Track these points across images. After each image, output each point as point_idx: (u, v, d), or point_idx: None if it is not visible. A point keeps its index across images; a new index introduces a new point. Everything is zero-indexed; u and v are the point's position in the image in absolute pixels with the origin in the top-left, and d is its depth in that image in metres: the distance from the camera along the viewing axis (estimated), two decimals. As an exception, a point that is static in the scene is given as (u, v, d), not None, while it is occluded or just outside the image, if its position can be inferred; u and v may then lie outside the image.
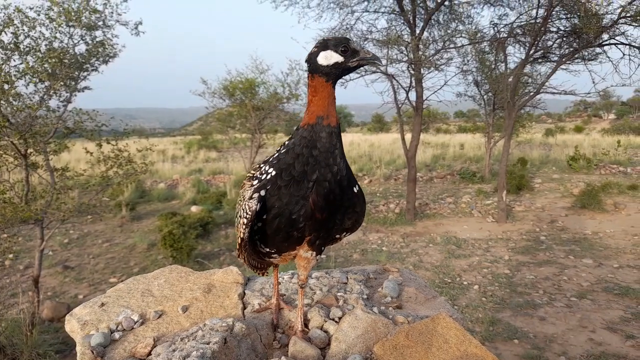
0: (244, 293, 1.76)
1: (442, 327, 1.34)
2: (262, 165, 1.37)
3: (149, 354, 1.37)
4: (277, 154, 1.33)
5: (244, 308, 1.66)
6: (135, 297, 1.73)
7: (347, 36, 10.67)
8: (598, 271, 7.71)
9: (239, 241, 1.34)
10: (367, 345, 1.37)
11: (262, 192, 1.27)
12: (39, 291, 6.31)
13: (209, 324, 1.36)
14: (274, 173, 1.27)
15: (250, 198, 1.27)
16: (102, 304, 1.69)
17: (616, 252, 8.60)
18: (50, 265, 8.81)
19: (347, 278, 1.85)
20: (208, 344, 1.22)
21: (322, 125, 1.24)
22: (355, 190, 1.36)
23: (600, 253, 8.60)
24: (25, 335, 5.39)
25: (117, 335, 1.50)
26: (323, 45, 1.26)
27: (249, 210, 1.26)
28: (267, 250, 1.39)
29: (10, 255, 8.73)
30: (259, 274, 1.56)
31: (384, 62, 10.51)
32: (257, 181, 1.32)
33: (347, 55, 1.26)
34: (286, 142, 1.34)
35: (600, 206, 11.33)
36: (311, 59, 1.27)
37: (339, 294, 1.70)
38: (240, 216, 1.32)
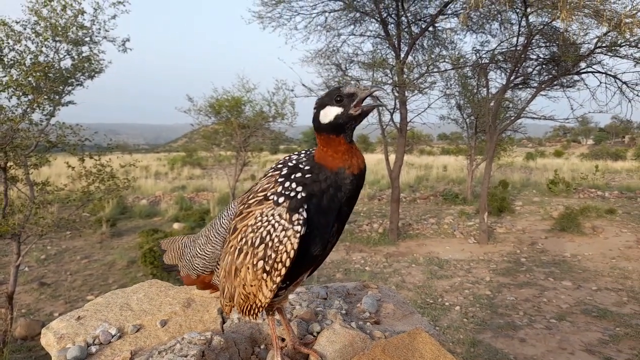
0: (224, 308, 1.76)
1: (418, 342, 1.37)
2: (277, 183, 1.25)
3: (126, 367, 1.37)
4: (298, 172, 1.25)
5: (223, 322, 1.66)
6: (113, 311, 1.72)
7: (332, 59, 10.85)
8: (577, 293, 7.83)
9: (285, 261, 1.15)
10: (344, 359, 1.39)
11: (303, 213, 1.16)
12: (13, 308, 6.13)
13: (187, 337, 1.36)
14: (305, 194, 1.19)
15: (296, 211, 1.16)
16: (79, 318, 1.67)
17: (594, 275, 8.74)
18: (25, 281, 8.58)
19: (327, 293, 1.87)
20: (186, 356, 1.22)
21: (345, 174, 1.22)
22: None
23: (579, 275, 8.74)
24: (-3, 355, 5.23)
25: (93, 349, 1.49)
26: (320, 103, 1.25)
27: (299, 224, 1.14)
28: (283, 281, 1.24)
29: (-16, 271, 8.51)
30: (252, 317, 1.30)
31: (369, 84, 10.68)
32: (283, 198, 1.20)
33: (344, 104, 1.22)
34: (291, 164, 1.29)
35: (579, 229, 11.55)
36: (314, 121, 1.26)
37: (318, 308, 1.72)
38: (279, 232, 1.16)
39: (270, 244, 1.16)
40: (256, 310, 1.26)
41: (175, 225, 12.31)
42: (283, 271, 1.16)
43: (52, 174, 15.58)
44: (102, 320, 1.66)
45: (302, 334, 1.56)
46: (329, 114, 1.22)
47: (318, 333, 1.54)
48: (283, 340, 1.49)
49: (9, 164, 5.80)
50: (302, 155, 1.33)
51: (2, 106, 5.26)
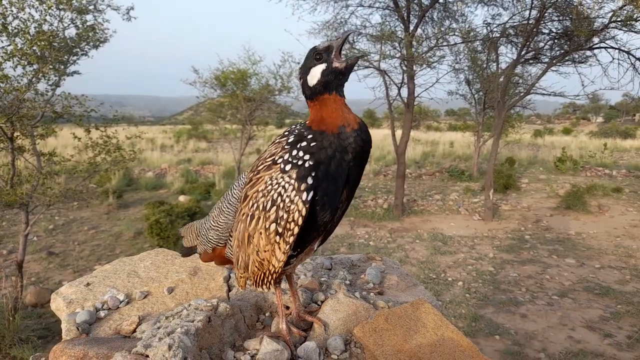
0: (229, 276, 1.78)
1: (420, 312, 1.38)
2: (283, 150, 1.24)
3: (134, 331, 1.40)
4: (304, 141, 1.22)
5: (229, 290, 1.68)
6: (121, 278, 1.75)
7: (340, 31, 10.66)
8: (580, 271, 7.86)
9: (297, 221, 1.16)
10: (347, 328, 1.41)
11: (310, 181, 1.15)
12: (23, 276, 6.26)
13: (194, 303, 1.38)
14: (312, 162, 1.17)
15: (299, 189, 1.15)
16: (88, 284, 1.70)
17: (598, 253, 8.76)
18: (34, 250, 8.73)
19: (332, 264, 1.88)
20: (192, 321, 1.24)
21: (347, 133, 1.20)
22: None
23: (582, 253, 8.76)
24: (8, 320, 5.35)
25: (102, 313, 1.52)
26: (303, 70, 1.25)
27: (305, 189, 1.15)
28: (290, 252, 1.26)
29: (-6, 240, 8.65)
30: (265, 287, 1.32)
31: (376, 57, 10.53)
32: (290, 166, 1.19)
33: (324, 58, 1.22)
34: (296, 133, 1.27)
35: (584, 207, 11.52)
36: (305, 89, 1.25)
37: (322, 278, 1.74)
38: (289, 201, 1.16)
39: (281, 204, 1.17)
40: (270, 278, 1.27)
41: (181, 198, 12.40)
42: (296, 230, 1.16)
43: (58, 145, 15.64)
44: (110, 286, 1.69)
45: (307, 302, 1.58)
46: (315, 74, 1.22)
47: (322, 302, 1.56)
48: (288, 308, 1.51)
49: (15, 134, 5.81)
50: (303, 126, 1.30)
51: (7, 75, 5.24)
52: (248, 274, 1.31)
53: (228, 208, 1.40)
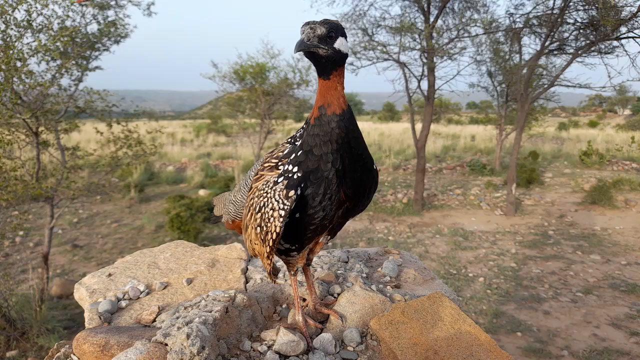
0: (247, 268, 1.80)
1: (437, 306, 1.37)
2: (281, 162, 1.28)
3: (154, 320, 1.42)
4: (294, 153, 1.24)
5: (246, 282, 1.70)
6: (141, 269, 1.78)
7: (359, 23, 10.59)
8: (605, 267, 7.68)
9: (272, 237, 1.22)
10: (364, 321, 1.40)
11: (298, 192, 1.18)
12: (49, 268, 6.43)
13: (212, 294, 1.40)
14: (300, 174, 1.19)
15: (287, 197, 1.18)
16: (110, 274, 1.74)
17: (625, 249, 8.54)
18: (59, 243, 8.97)
19: (348, 257, 1.88)
20: (210, 312, 1.26)
21: (327, 116, 1.16)
22: (375, 167, 1.31)
23: (608, 249, 8.55)
24: (35, 311, 5.52)
25: (123, 303, 1.55)
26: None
27: (282, 214, 1.18)
28: (287, 246, 1.32)
29: (21, 232, 8.92)
30: (273, 279, 1.40)
31: (396, 49, 10.43)
32: (282, 178, 1.22)
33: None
34: (299, 134, 1.29)
35: (610, 202, 11.23)
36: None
37: (339, 271, 1.73)
38: (271, 209, 1.20)
39: (266, 213, 1.23)
40: (266, 262, 1.32)
41: (201, 192, 12.55)
42: (275, 237, 1.21)
43: (81, 139, 15.99)
44: (131, 277, 1.72)
45: (323, 295, 1.58)
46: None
47: (338, 294, 1.56)
48: (304, 300, 1.51)
49: (40, 129, 5.96)
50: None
51: (31, 71, 5.36)
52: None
53: (244, 187, 1.47)
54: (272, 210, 1.20)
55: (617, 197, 11.51)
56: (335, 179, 1.18)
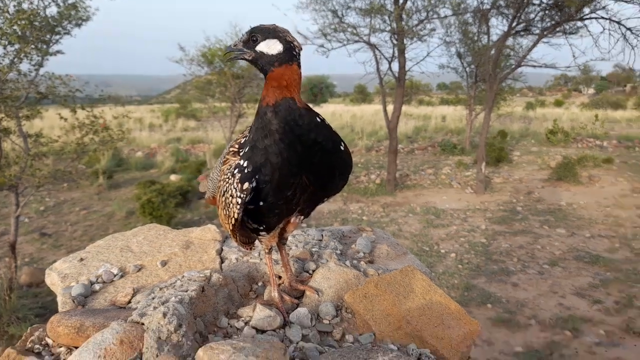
0: (222, 249, 1.80)
1: (409, 278, 1.41)
2: (241, 149, 1.29)
3: (129, 302, 1.42)
4: (244, 147, 1.26)
5: (222, 262, 1.71)
6: (114, 253, 1.76)
7: (328, 5, 10.49)
8: (570, 240, 8.01)
9: (232, 222, 1.26)
10: (338, 295, 1.44)
11: (253, 184, 1.20)
12: (16, 257, 6.26)
13: (187, 275, 1.40)
14: (251, 168, 1.20)
15: (242, 190, 1.21)
16: (82, 259, 1.71)
17: (589, 223, 8.91)
18: (26, 232, 8.72)
19: (322, 235, 1.91)
20: (186, 291, 1.26)
21: (262, 107, 1.19)
22: (342, 148, 1.28)
23: (573, 223, 8.90)
24: (4, 300, 5.40)
25: (97, 286, 1.54)
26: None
27: (238, 202, 1.22)
28: (256, 226, 1.33)
29: (-15, 222, 8.61)
30: (247, 249, 1.45)
31: (366, 31, 10.41)
32: (237, 170, 1.23)
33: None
34: (248, 131, 1.30)
35: (575, 178, 11.65)
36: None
37: (313, 249, 1.76)
38: (230, 196, 1.24)
39: (227, 200, 1.27)
40: (233, 238, 1.39)
41: (172, 177, 12.36)
42: (231, 226, 1.28)
43: (44, 126, 15.40)
44: (104, 261, 1.70)
45: (298, 272, 1.60)
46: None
47: (313, 271, 1.59)
48: (280, 277, 1.53)
49: (0, 116, 5.72)
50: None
51: (-12, 55, 5.13)
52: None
53: (218, 166, 1.49)
54: (231, 197, 1.24)
55: (582, 174, 11.95)
56: (286, 169, 1.18)
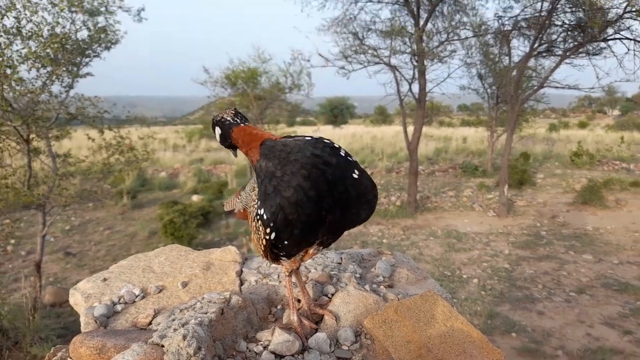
0: (242, 271, 1.81)
1: (430, 304, 1.39)
2: (254, 203, 1.34)
3: (150, 323, 1.43)
4: (260, 196, 1.26)
5: (241, 284, 1.71)
6: (136, 273, 1.79)
7: (349, 27, 10.65)
8: (598, 267, 7.75)
9: (262, 248, 1.31)
10: (357, 320, 1.42)
11: (272, 229, 1.23)
12: (41, 276, 6.38)
13: (207, 297, 1.41)
14: (269, 215, 1.21)
15: (265, 233, 1.24)
16: (105, 279, 1.74)
17: (616, 248, 8.62)
18: (52, 251, 8.90)
19: (342, 258, 1.90)
20: (206, 313, 1.27)
21: (256, 165, 1.26)
22: (356, 176, 1.23)
23: (600, 249, 8.63)
24: (28, 320, 5.47)
25: (119, 307, 1.56)
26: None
27: (265, 235, 1.25)
28: (276, 252, 1.32)
29: (12, 241, 8.83)
30: (277, 264, 1.43)
31: (386, 53, 10.51)
32: (257, 216, 1.27)
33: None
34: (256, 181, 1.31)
35: (602, 202, 11.34)
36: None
37: (332, 272, 1.75)
38: (256, 229, 1.29)
39: (255, 229, 1.32)
40: (263, 256, 1.41)
41: (194, 198, 12.52)
42: (261, 251, 1.33)
43: (73, 146, 15.88)
44: (126, 281, 1.73)
45: (317, 295, 1.59)
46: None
47: (332, 295, 1.58)
48: (299, 301, 1.53)
49: (31, 136, 5.93)
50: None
51: (22, 78, 5.34)
52: None
53: (250, 190, 1.56)
54: (257, 229, 1.30)
55: (608, 197, 11.63)
56: (304, 217, 1.19)
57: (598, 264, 7.91)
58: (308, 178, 1.16)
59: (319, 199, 1.16)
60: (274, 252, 1.32)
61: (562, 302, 6.45)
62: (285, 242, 1.24)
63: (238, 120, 1.37)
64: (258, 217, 1.26)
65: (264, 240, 1.26)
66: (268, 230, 1.23)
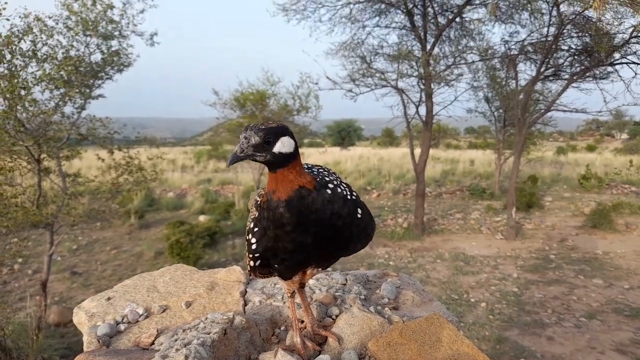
0: (246, 291, 1.80)
1: (435, 327, 1.37)
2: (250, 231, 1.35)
3: (152, 343, 1.43)
4: (254, 227, 1.30)
5: (245, 305, 1.70)
6: (140, 293, 1.79)
7: (357, 51, 10.82)
8: (608, 292, 7.61)
9: (248, 268, 1.37)
10: (362, 342, 1.41)
11: (259, 260, 1.31)
12: (47, 296, 6.38)
13: (210, 317, 1.41)
14: (261, 249, 1.28)
15: (253, 259, 1.31)
16: (109, 298, 1.74)
17: (627, 273, 8.47)
18: (58, 270, 8.90)
19: (346, 280, 1.88)
20: (209, 334, 1.26)
21: (274, 201, 1.19)
22: (359, 215, 1.29)
23: (610, 273, 8.48)
24: (32, 339, 5.44)
25: (122, 326, 1.56)
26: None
27: (252, 259, 1.32)
28: (269, 270, 1.39)
29: (20, 259, 8.87)
30: (266, 277, 1.48)
31: (394, 76, 10.62)
32: (247, 244, 1.32)
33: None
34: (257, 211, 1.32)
35: (611, 226, 11.20)
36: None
37: (337, 293, 1.74)
38: (247, 251, 1.34)
39: (245, 249, 1.35)
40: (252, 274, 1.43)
41: (201, 218, 12.53)
42: (249, 269, 1.37)
43: (82, 166, 16.06)
44: (130, 300, 1.72)
45: (321, 316, 1.58)
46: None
47: (337, 316, 1.56)
48: (302, 322, 1.52)
49: (42, 156, 6.01)
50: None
51: (35, 99, 5.45)
52: None
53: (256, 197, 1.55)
54: (247, 252, 1.33)
55: (618, 221, 11.49)
56: (300, 255, 1.25)
57: (608, 288, 7.76)
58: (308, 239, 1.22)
59: (315, 238, 1.22)
60: (259, 273, 1.39)
61: (572, 328, 6.32)
62: (276, 266, 1.30)
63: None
64: (247, 240, 1.31)
65: (250, 262, 1.33)
66: (256, 262, 1.31)
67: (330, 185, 1.25)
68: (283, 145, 1.18)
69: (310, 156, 27.51)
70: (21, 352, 5.42)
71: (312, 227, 1.19)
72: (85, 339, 1.50)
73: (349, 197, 1.28)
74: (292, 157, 1.20)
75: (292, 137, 1.21)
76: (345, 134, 42.59)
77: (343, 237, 1.25)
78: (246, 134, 1.17)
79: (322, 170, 1.40)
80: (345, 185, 1.33)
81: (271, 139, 1.17)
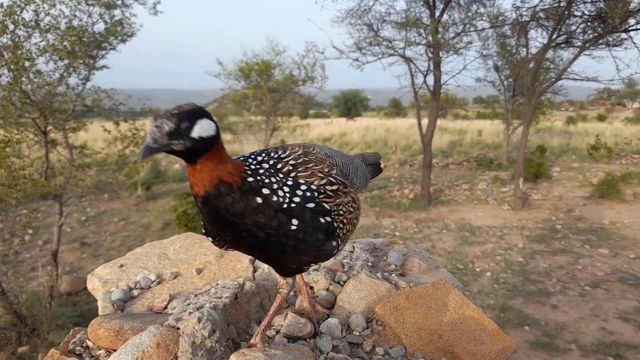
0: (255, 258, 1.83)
1: (441, 292, 1.39)
2: None
3: (165, 307, 1.47)
4: None
5: (254, 271, 1.74)
6: (152, 260, 1.82)
7: (364, 19, 10.58)
8: (614, 261, 7.64)
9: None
10: (369, 307, 1.44)
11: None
12: (58, 265, 6.52)
13: (221, 282, 1.44)
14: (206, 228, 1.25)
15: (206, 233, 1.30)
16: (122, 265, 1.78)
17: (633, 243, 8.49)
18: (68, 241, 9.07)
19: (354, 247, 1.91)
20: (220, 298, 1.30)
21: (194, 195, 1.09)
22: (293, 227, 1.11)
23: (616, 243, 8.50)
24: (45, 307, 5.61)
25: (135, 292, 1.60)
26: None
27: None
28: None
29: (30, 231, 9.02)
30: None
31: (401, 45, 10.41)
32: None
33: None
34: None
35: (619, 196, 11.15)
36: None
37: (344, 260, 1.76)
38: None
39: None
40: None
41: (209, 189, 12.59)
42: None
43: (89, 138, 16.09)
44: (142, 267, 1.76)
45: (330, 282, 1.61)
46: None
47: (345, 282, 1.59)
48: (312, 288, 1.55)
49: (48, 128, 6.03)
50: None
51: (40, 71, 5.43)
52: None
53: None
54: None
55: (626, 191, 11.43)
56: (229, 243, 1.18)
57: (614, 258, 7.80)
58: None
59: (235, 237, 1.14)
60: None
61: (576, 296, 6.39)
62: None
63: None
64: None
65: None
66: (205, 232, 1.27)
67: (265, 191, 1.10)
68: (202, 128, 1.03)
69: (316, 127, 27.35)
70: (35, 320, 5.59)
71: (228, 230, 1.10)
72: (100, 304, 1.54)
73: (286, 205, 1.11)
74: (214, 142, 1.07)
75: (211, 119, 1.07)
76: (351, 105, 42.19)
77: (273, 247, 1.12)
78: (157, 122, 1.01)
79: (278, 157, 1.21)
80: (302, 182, 1.16)
81: (188, 124, 1.02)
